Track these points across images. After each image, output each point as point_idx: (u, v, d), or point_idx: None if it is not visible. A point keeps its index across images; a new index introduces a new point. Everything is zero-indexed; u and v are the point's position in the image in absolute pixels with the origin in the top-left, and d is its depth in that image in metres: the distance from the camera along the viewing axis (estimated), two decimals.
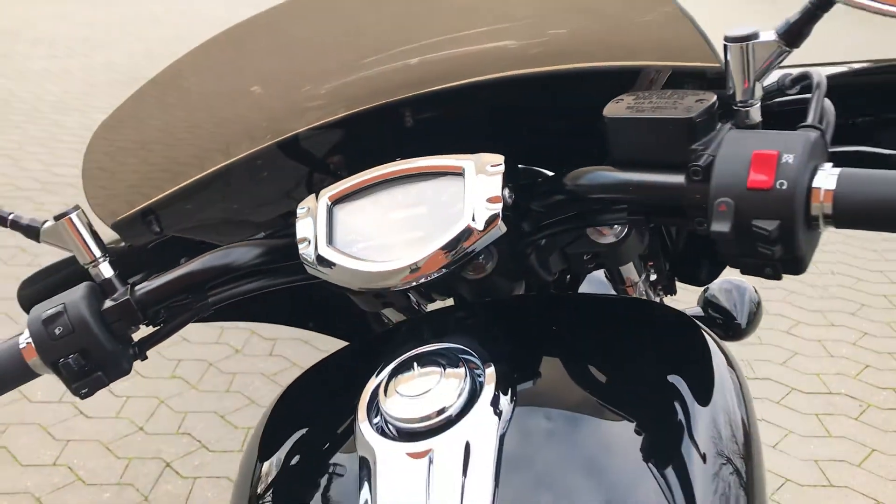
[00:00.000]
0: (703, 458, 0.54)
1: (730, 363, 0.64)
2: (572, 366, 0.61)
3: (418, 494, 0.50)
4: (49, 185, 3.55)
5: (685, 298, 1.15)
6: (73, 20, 7.40)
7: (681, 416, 0.57)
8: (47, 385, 2.24)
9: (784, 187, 0.49)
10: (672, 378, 0.60)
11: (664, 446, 0.54)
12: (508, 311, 0.69)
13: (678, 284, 1.01)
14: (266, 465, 0.62)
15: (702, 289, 1.06)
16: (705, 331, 0.67)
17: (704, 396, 0.59)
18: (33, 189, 3.57)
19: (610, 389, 0.59)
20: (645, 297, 0.92)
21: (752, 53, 0.53)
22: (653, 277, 0.94)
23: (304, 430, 0.64)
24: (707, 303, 1.03)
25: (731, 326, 1.02)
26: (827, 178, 0.49)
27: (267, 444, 0.64)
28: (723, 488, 0.54)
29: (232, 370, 2.35)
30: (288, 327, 1.03)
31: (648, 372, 0.61)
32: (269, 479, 0.62)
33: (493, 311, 0.68)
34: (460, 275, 0.68)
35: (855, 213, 0.49)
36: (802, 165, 0.49)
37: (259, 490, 0.61)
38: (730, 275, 1.12)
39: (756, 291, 1.07)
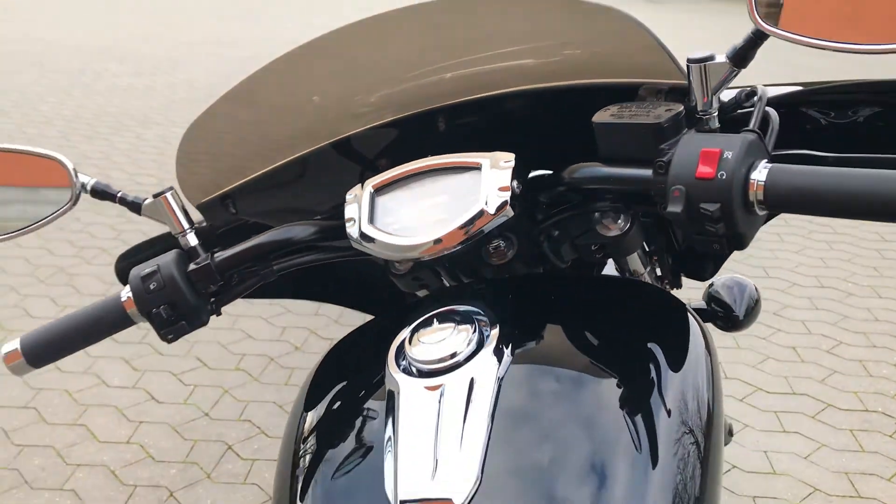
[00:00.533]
0: (668, 420, 0.65)
1: (707, 346, 0.75)
2: (564, 328, 0.73)
3: (431, 418, 0.64)
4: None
5: (695, 294, 1.26)
6: (160, 41, 7.81)
7: (652, 381, 0.68)
8: (124, 373, 2.45)
9: (724, 177, 0.61)
10: (649, 347, 0.72)
11: (633, 403, 0.65)
12: (516, 284, 0.82)
13: (686, 281, 1.12)
14: (311, 411, 0.75)
15: (707, 284, 1.16)
16: (691, 313, 0.78)
17: (676, 369, 0.70)
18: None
19: (593, 352, 0.71)
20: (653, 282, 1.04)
21: (709, 73, 0.66)
22: (658, 272, 1.05)
23: (343, 380, 0.78)
24: (710, 297, 1.14)
25: (730, 318, 1.12)
26: (760, 171, 0.62)
27: (312, 393, 0.78)
28: (682, 454, 0.64)
29: (291, 365, 2.52)
30: (342, 327, 1.16)
31: (629, 340, 0.73)
32: (314, 420, 0.75)
33: (503, 284, 0.82)
34: (486, 261, 0.82)
35: (782, 201, 0.61)
36: (739, 161, 0.61)
37: (305, 430, 0.75)
38: (731, 273, 1.23)
39: (756, 289, 1.17)
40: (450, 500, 0.58)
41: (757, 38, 0.64)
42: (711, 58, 0.66)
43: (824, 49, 0.62)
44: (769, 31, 0.63)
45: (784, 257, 3.35)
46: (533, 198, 0.79)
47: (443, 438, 0.62)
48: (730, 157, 0.61)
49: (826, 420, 2.28)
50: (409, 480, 0.60)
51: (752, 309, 1.10)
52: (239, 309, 2.83)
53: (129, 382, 2.41)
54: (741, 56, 0.65)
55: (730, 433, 1.58)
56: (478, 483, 0.59)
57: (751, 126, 0.66)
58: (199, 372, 2.47)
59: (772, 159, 0.64)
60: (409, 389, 0.66)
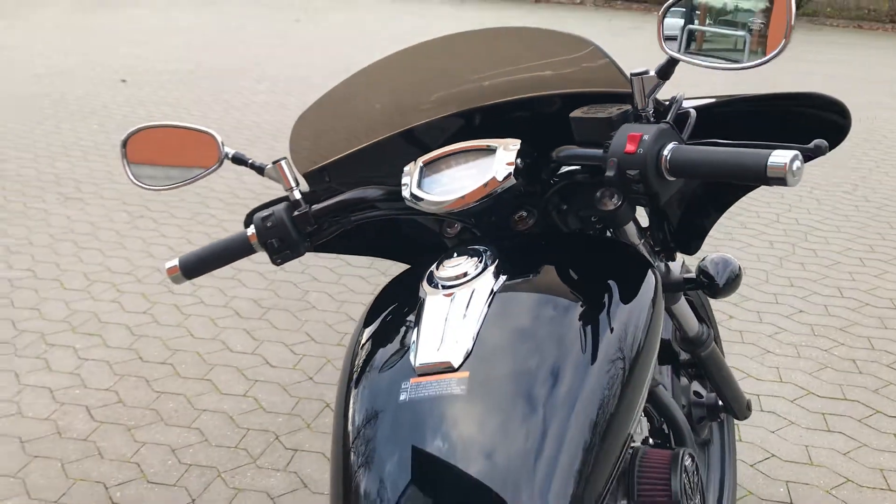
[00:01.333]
0: (608, 336, 0.93)
1: (654, 295, 1.01)
2: (546, 264, 1.03)
3: (443, 315, 0.95)
4: (261, 195, 4.31)
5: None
6: (297, 63, 8.48)
7: (603, 307, 0.96)
8: (245, 341, 2.87)
9: (642, 153, 0.90)
10: (608, 283, 1.01)
11: (585, 320, 0.93)
12: (518, 236, 1.13)
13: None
14: (368, 327, 1.07)
15: (701, 258, 1.41)
16: (653, 270, 1.06)
17: (624, 303, 0.98)
18: (248, 198, 4.35)
19: (564, 279, 1.01)
20: (646, 254, 1.31)
21: (644, 83, 0.96)
22: (653, 246, 1.32)
23: (392, 302, 1.10)
24: (699, 269, 1.39)
25: (712, 286, 1.36)
26: (668, 149, 0.91)
27: (369, 313, 1.09)
28: (611, 369, 0.90)
29: None
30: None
31: (593, 275, 1.02)
32: (370, 328, 1.07)
33: (508, 236, 1.12)
34: (513, 228, 1.13)
35: (681, 170, 0.89)
36: (653, 141, 0.90)
37: (363, 336, 1.07)
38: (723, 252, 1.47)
39: (740, 267, 1.41)
40: (449, 362, 0.90)
41: (671, 61, 0.93)
42: (646, 72, 0.95)
43: (716, 69, 0.91)
44: (676, 57, 0.93)
45: (861, 279, 3.46)
46: (536, 172, 1.10)
47: (449, 328, 0.94)
48: (647, 138, 0.91)
49: (872, 424, 2.44)
50: (424, 353, 0.92)
51: (733, 281, 1.35)
52: (344, 296, 3.23)
53: (249, 349, 2.83)
54: (663, 72, 0.95)
55: (748, 408, 1.81)
56: (468, 354, 0.90)
57: (667, 119, 0.95)
58: (308, 345, 2.86)
59: (681, 142, 0.92)
60: (432, 297, 0.98)
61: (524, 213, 1.17)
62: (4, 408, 2.47)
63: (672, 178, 0.93)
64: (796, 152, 0.84)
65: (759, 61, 0.96)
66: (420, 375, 0.90)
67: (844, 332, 3.00)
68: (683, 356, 1.61)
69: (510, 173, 1.05)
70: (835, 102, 1.05)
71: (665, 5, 1.01)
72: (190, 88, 7.09)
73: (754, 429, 2.39)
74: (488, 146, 1.09)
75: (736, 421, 2.12)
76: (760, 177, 0.85)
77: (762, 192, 4.59)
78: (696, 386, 1.79)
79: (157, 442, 2.32)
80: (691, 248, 1.34)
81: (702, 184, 1.22)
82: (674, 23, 1.02)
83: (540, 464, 0.83)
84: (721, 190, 1.24)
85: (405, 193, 1.11)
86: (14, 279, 3.34)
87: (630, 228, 1.25)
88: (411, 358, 0.93)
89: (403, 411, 0.87)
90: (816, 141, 0.91)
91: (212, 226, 3.97)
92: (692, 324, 1.50)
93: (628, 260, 1.08)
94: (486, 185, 1.05)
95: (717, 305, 3.17)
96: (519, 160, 1.06)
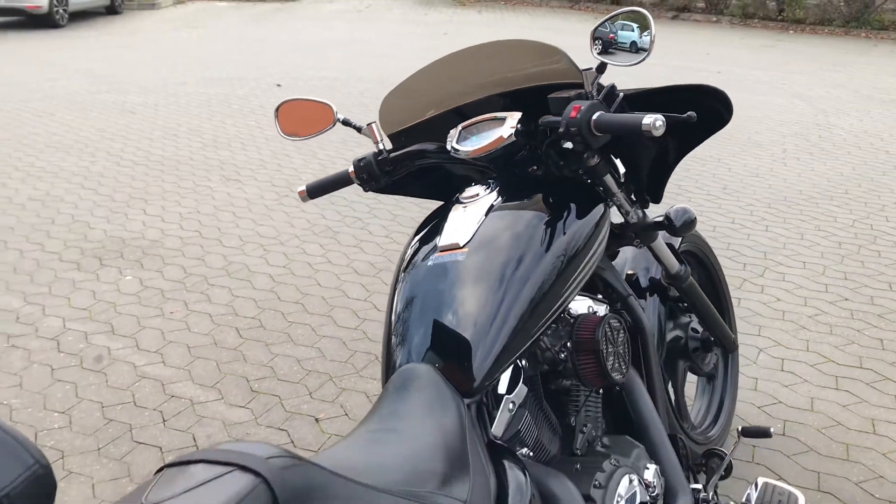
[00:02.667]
0: (561, 239, 1.51)
1: (602, 218, 1.58)
2: (531, 192, 1.61)
3: (459, 220, 1.54)
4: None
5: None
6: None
7: (556, 222, 1.53)
8: (360, 291, 3.55)
9: (579, 117, 1.46)
10: (568, 206, 1.58)
11: (543, 229, 1.51)
12: (518, 177, 1.70)
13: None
14: (417, 234, 1.67)
15: (667, 208, 1.92)
16: (605, 204, 1.62)
17: (577, 220, 1.55)
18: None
19: (538, 203, 1.58)
20: (626, 204, 1.84)
21: (589, 76, 1.52)
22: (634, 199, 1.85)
23: (432, 219, 1.69)
24: (665, 215, 1.90)
25: (672, 227, 1.87)
26: (595, 115, 1.46)
27: (419, 227, 1.68)
28: (558, 260, 1.47)
29: None
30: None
31: (561, 202, 1.58)
32: (417, 234, 1.67)
33: (514, 176, 1.70)
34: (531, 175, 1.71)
35: (602, 128, 1.45)
36: (587, 110, 1.46)
37: (413, 238, 1.67)
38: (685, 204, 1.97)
39: (695, 215, 1.89)
40: (457, 243, 1.50)
41: (601, 66, 1.50)
42: (590, 69, 1.52)
43: (618, 66, 1.48)
44: (604, 61, 1.49)
45: None
46: (532, 134, 1.67)
47: (461, 225, 1.53)
48: (583, 108, 1.47)
49: (878, 387, 2.82)
50: (444, 238, 1.52)
51: (688, 224, 1.85)
52: None
53: (362, 297, 3.51)
54: (600, 68, 1.51)
55: (735, 344, 2.30)
56: (469, 240, 1.50)
57: (598, 97, 1.50)
58: None
59: (606, 111, 1.48)
60: (454, 209, 1.58)
61: (535, 167, 1.74)
62: (176, 325, 3.25)
63: (599, 134, 1.48)
64: (659, 116, 1.38)
65: (637, 60, 1.53)
66: (440, 251, 1.50)
67: (882, 318, 3.34)
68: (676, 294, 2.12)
69: (511, 133, 1.63)
70: (718, 91, 1.58)
71: (595, 27, 1.58)
72: (334, 93, 7.97)
73: (769, 383, 2.83)
74: (501, 117, 1.68)
75: (754, 378, 2.58)
76: (638, 131, 1.40)
77: (841, 198, 4.88)
78: (694, 324, 2.28)
79: (287, 354, 3.03)
80: (657, 197, 1.87)
81: (655, 146, 1.75)
82: (604, 33, 1.61)
83: (501, 307, 1.41)
84: (667, 151, 1.76)
85: (448, 147, 1.71)
86: (185, 237, 4.19)
87: (609, 181, 1.79)
88: (437, 242, 1.53)
89: (430, 269, 1.48)
90: (689, 112, 1.45)
91: (342, 206, 4.71)
92: (671, 261, 2.02)
93: (589, 195, 1.64)
94: (495, 140, 1.64)
95: (769, 291, 3.59)
96: (519, 125, 1.64)
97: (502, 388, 1.48)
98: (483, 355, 1.38)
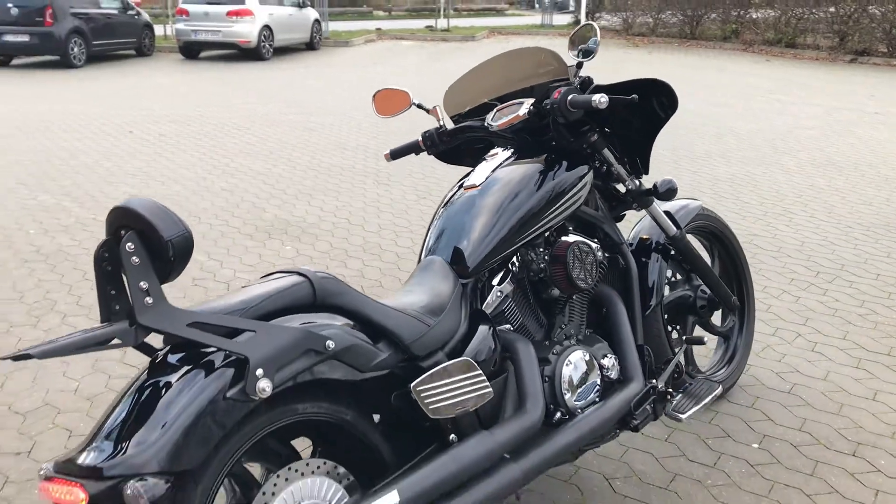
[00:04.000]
0: (549, 184, 2.17)
1: (583, 177, 2.23)
2: (539, 155, 2.27)
3: (481, 172, 2.24)
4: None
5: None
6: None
7: (551, 172, 2.20)
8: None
9: (561, 98, 2.11)
10: (563, 164, 2.23)
11: (540, 175, 2.17)
12: (532, 144, 2.36)
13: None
14: (454, 184, 2.38)
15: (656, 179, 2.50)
16: (589, 167, 2.26)
17: (566, 173, 2.21)
18: None
19: (540, 161, 2.24)
20: (623, 173, 2.43)
21: (571, 71, 2.17)
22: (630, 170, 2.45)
23: (465, 175, 2.38)
24: (654, 184, 2.47)
25: (657, 192, 2.44)
26: (569, 97, 2.10)
27: (458, 181, 2.39)
28: (544, 199, 2.15)
29: None
30: None
31: (557, 162, 2.24)
32: (453, 184, 2.38)
33: (527, 143, 2.36)
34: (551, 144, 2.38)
35: (574, 106, 2.08)
36: (564, 93, 2.11)
37: (451, 187, 2.37)
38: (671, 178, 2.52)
39: (676, 185, 2.46)
40: (475, 184, 2.20)
41: (580, 62, 2.15)
42: (573, 66, 2.17)
43: (588, 62, 2.12)
44: (580, 60, 2.15)
45: None
46: (543, 114, 2.32)
47: (481, 173, 2.23)
48: (563, 91, 2.13)
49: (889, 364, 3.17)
50: (468, 181, 2.23)
51: (670, 191, 2.43)
52: None
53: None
54: (579, 65, 2.16)
55: (735, 303, 2.82)
56: (485, 180, 2.20)
57: (575, 84, 2.15)
58: None
59: (578, 95, 2.12)
60: (479, 164, 2.29)
61: (553, 142, 2.40)
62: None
63: (573, 110, 2.12)
64: (604, 95, 2.03)
65: (590, 59, 2.18)
66: (464, 189, 2.21)
67: None
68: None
69: (526, 112, 2.30)
70: (665, 84, 2.19)
71: (569, 37, 2.25)
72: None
73: (795, 358, 3.26)
74: (520, 101, 2.35)
75: (783, 353, 3.04)
76: (590, 106, 2.04)
77: None
78: (704, 288, 2.82)
79: None
80: (646, 168, 2.46)
81: (635, 124, 2.35)
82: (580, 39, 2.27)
83: (495, 223, 2.09)
84: (645, 130, 2.36)
85: (486, 123, 2.40)
86: (336, 223, 5.10)
87: (607, 154, 2.41)
88: (464, 183, 2.24)
89: (454, 201, 2.20)
90: (633, 95, 2.07)
91: None
92: (667, 224, 2.60)
93: (578, 160, 2.28)
94: (514, 117, 2.31)
95: (831, 293, 3.95)
96: (532, 107, 2.31)
97: (496, 283, 2.15)
98: (476, 252, 2.07)
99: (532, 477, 1.94)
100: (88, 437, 1.47)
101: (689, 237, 2.83)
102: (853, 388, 3.02)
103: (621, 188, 2.51)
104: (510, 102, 2.37)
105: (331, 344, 1.62)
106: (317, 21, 17.89)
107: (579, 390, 2.13)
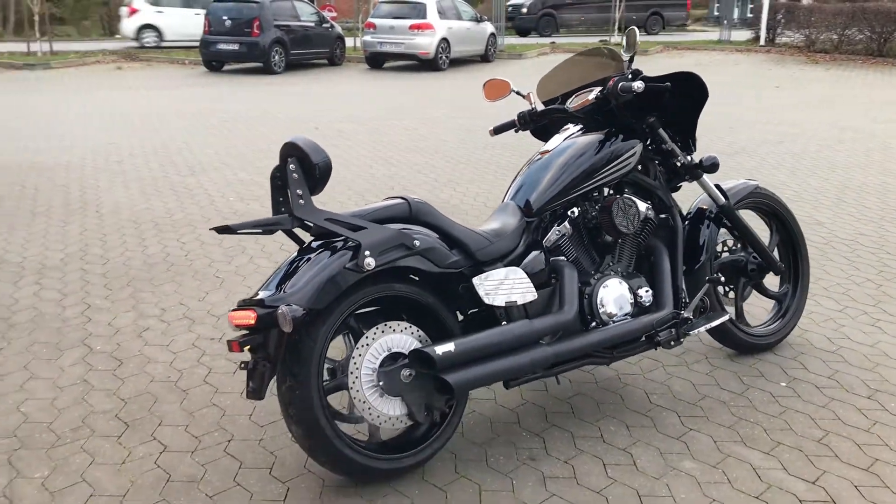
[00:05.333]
0: (606, 149, 2.83)
1: (632, 149, 2.88)
2: (596, 132, 2.93)
3: (556, 138, 2.95)
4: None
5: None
6: (750, 121, 10.14)
7: (608, 141, 2.86)
8: None
9: (612, 85, 2.76)
10: (619, 136, 2.89)
11: (600, 144, 2.85)
12: (597, 123, 3.01)
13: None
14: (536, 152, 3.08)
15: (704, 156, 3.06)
16: (642, 142, 2.90)
17: (620, 143, 2.87)
18: None
19: (602, 134, 2.90)
20: (676, 150, 3.02)
21: (624, 66, 2.82)
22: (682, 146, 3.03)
23: (544, 147, 3.08)
24: (700, 159, 3.04)
25: (702, 166, 3.01)
26: (620, 84, 2.74)
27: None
28: (600, 159, 2.86)
29: None
30: None
31: (615, 136, 2.89)
32: (534, 154, 3.08)
33: (594, 122, 3.01)
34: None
35: (623, 91, 2.72)
36: (616, 82, 2.76)
37: (533, 156, 3.07)
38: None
39: (718, 161, 3.02)
40: (548, 149, 2.91)
41: (630, 58, 2.79)
42: (626, 61, 2.82)
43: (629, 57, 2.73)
44: (629, 56, 2.79)
45: None
46: (608, 99, 2.97)
47: (554, 141, 2.95)
48: (616, 79, 2.78)
49: None
50: (544, 147, 2.94)
51: (712, 165, 3.00)
52: None
53: None
54: (630, 61, 2.80)
55: (780, 268, 3.32)
56: (555, 147, 2.90)
57: (626, 75, 2.79)
58: None
59: (627, 82, 2.76)
60: (554, 137, 2.99)
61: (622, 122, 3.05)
62: None
63: (622, 94, 2.76)
64: (640, 81, 2.66)
65: (631, 55, 2.81)
66: (540, 153, 2.92)
67: None
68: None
69: (594, 97, 2.95)
70: (696, 76, 2.78)
71: (624, 38, 2.88)
72: None
73: (851, 329, 3.66)
74: (591, 89, 3.01)
75: (833, 320, 3.50)
76: (630, 90, 2.68)
77: None
78: (756, 254, 3.35)
79: None
80: (694, 145, 3.05)
81: (677, 107, 2.94)
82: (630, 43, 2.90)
83: (556, 178, 2.80)
84: (687, 114, 2.95)
85: (565, 107, 3.08)
86: (474, 204, 5.88)
87: (663, 134, 3.02)
88: (541, 149, 2.95)
89: (532, 162, 2.92)
90: (666, 83, 2.69)
91: None
92: (716, 194, 3.17)
93: (636, 136, 2.92)
94: (585, 101, 2.97)
95: (876, 283, 4.27)
96: (599, 94, 2.96)
97: (557, 224, 2.84)
98: (540, 198, 2.78)
99: (563, 359, 2.61)
100: (258, 289, 2.32)
101: (748, 212, 3.37)
102: (857, 337, 3.47)
103: (677, 164, 3.11)
104: (582, 91, 3.05)
105: (417, 243, 2.39)
106: (492, 35, 18.89)
107: (612, 307, 2.77)
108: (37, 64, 16.37)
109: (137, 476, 2.50)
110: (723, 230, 3.29)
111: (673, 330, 2.87)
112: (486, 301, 2.52)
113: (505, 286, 2.55)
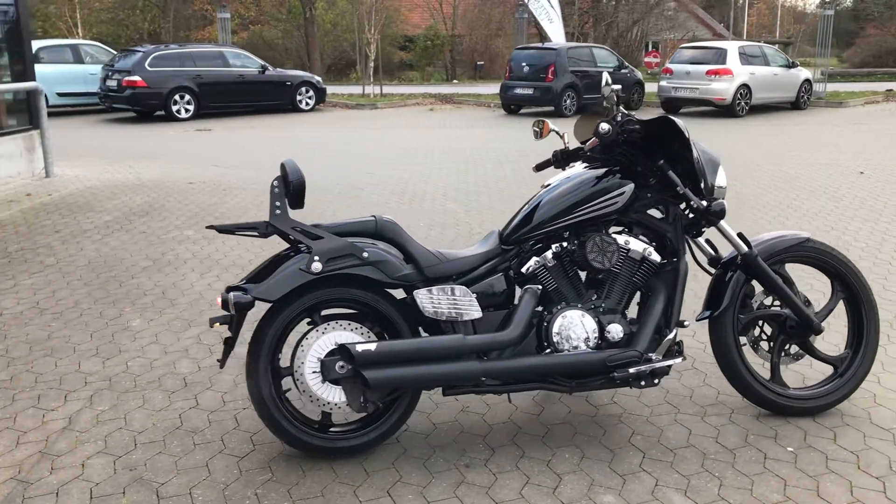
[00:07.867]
0: (600, 184, 2.95)
1: (620, 188, 2.95)
2: (596, 169, 3.04)
3: (561, 173, 3.12)
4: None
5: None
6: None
7: (605, 178, 2.97)
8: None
9: (598, 127, 2.87)
10: (616, 174, 2.98)
11: (596, 178, 2.97)
12: (601, 160, 3.09)
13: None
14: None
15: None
16: (635, 184, 2.96)
17: (613, 178, 2.96)
18: None
19: (593, 174, 3.01)
20: (688, 193, 2.98)
21: (616, 108, 2.90)
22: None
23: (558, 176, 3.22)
24: (707, 204, 2.95)
25: (708, 211, 2.92)
26: (600, 126, 2.84)
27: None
28: (594, 190, 2.96)
29: None
30: None
31: (613, 173, 2.98)
32: (548, 181, 3.24)
33: (598, 159, 3.10)
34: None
35: (604, 133, 2.82)
36: (597, 125, 2.86)
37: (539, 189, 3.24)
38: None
39: (725, 209, 2.89)
40: (549, 183, 3.10)
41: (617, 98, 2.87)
42: (615, 106, 2.91)
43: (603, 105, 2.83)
44: (613, 103, 2.88)
45: None
46: (619, 132, 3.04)
47: (557, 177, 3.11)
48: (599, 124, 2.88)
49: None
50: (547, 182, 3.12)
51: (718, 212, 2.92)
52: None
53: None
54: (617, 106, 2.88)
55: (817, 328, 3.10)
56: (555, 182, 3.08)
57: (611, 119, 2.87)
58: None
59: (615, 126, 2.85)
60: (567, 168, 3.15)
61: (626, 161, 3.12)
62: None
63: (602, 132, 2.85)
64: (605, 124, 2.75)
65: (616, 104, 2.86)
66: (543, 188, 3.12)
67: None
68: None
69: (601, 135, 3.05)
70: (670, 119, 2.76)
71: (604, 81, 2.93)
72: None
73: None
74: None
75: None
76: (598, 131, 2.78)
77: None
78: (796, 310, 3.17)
79: None
80: (704, 190, 2.99)
81: (670, 154, 2.93)
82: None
83: (538, 211, 2.99)
84: (679, 159, 2.92)
85: (584, 147, 3.21)
86: None
87: (673, 176, 3.03)
88: (543, 183, 3.15)
89: (534, 195, 3.12)
90: (636, 125, 2.74)
91: None
92: (737, 242, 3.08)
93: (626, 178, 2.98)
94: (594, 141, 3.08)
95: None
96: (610, 128, 3.05)
97: (536, 254, 3.01)
98: (517, 228, 3.01)
99: (498, 377, 2.79)
100: (241, 279, 2.87)
101: (798, 266, 3.20)
102: None
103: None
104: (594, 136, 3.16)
105: (366, 255, 2.77)
106: (807, 80, 17.70)
107: (565, 336, 2.87)
108: (366, 104, 18.86)
109: None
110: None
111: (633, 370, 2.87)
112: (425, 313, 2.81)
113: (446, 302, 2.81)
